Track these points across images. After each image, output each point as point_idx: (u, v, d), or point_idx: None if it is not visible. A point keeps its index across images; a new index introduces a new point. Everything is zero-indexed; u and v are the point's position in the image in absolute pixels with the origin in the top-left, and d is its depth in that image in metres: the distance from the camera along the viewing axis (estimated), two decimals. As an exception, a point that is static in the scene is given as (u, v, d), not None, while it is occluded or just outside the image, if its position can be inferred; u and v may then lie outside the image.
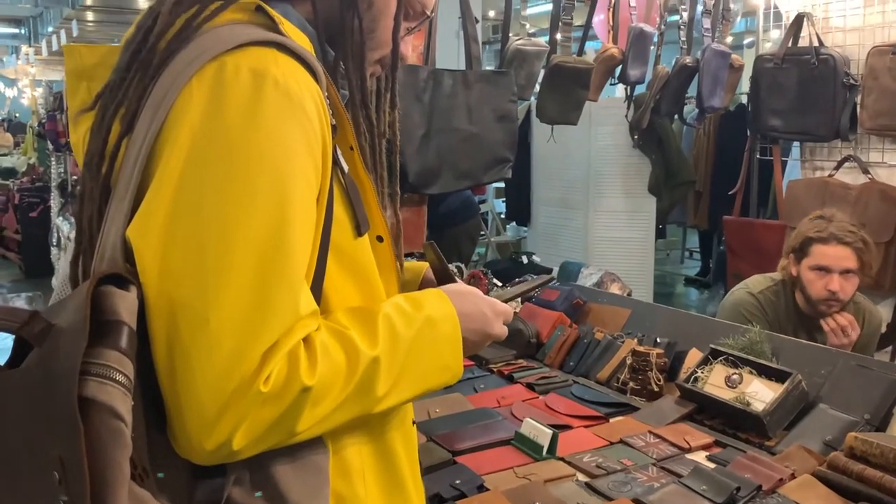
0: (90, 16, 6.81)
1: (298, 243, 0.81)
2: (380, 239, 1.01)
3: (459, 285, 1.10)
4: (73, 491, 0.68)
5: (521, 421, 1.93)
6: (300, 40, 0.89)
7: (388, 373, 0.87)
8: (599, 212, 5.42)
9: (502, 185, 6.87)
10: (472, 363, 2.52)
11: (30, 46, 9.84)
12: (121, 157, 0.83)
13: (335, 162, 0.90)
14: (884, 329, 2.96)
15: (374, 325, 0.88)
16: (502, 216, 7.49)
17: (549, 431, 1.83)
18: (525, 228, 6.60)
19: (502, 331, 1.11)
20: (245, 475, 0.84)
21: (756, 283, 2.57)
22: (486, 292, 3.22)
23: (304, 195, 0.82)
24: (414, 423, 1.07)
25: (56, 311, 0.76)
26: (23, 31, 12.36)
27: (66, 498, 0.69)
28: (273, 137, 0.79)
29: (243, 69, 0.80)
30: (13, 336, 0.75)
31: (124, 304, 0.75)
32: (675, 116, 4.36)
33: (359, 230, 0.93)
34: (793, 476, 1.67)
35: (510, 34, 3.33)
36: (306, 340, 0.81)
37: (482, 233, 7.47)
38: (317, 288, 0.87)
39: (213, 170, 0.77)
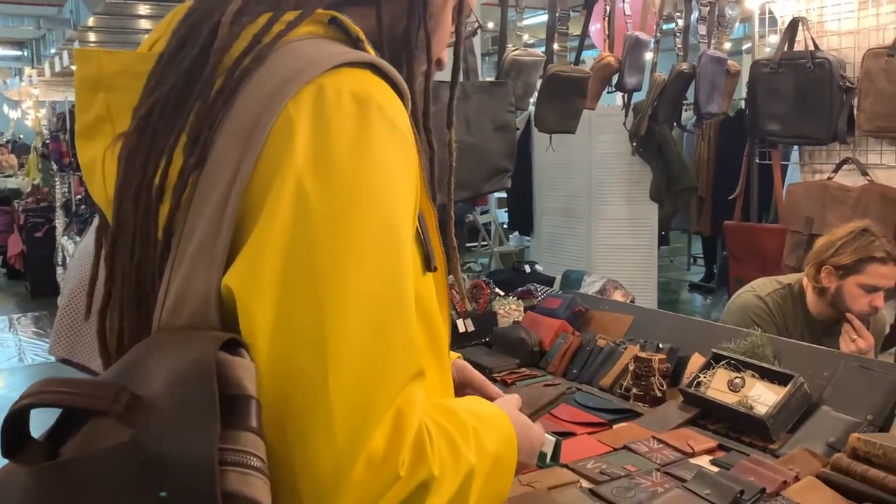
0: (92, 37, 6.88)
1: (410, 288, 0.72)
2: (434, 269, 0.93)
3: (517, 412, 1.02)
4: None
5: (525, 429, 1.93)
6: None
7: (479, 482, 0.79)
8: (602, 220, 5.43)
9: (504, 195, 6.89)
10: (476, 373, 2.53)
11: (33, 68, 9.94)
12: (187, 195, 0.70)
13: None
14: (887, 331, 2.96)
15: (466, 431, 0.79)
16: (505, 226, 7.51)
17: (553, 439, 1.81)
18: (528, 238, 6.61)
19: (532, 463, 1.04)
20: None
21: (763, 285, 2.57)
22: (489, 301, 3.22)
23: (410, 233, 0.74)
24: None
25: (132, 375, 0.64)
26: (25, 54, 12.47)
27: None
28: (382, 172, 0.70)
29: (345, 94, 0.70)
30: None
31: (247, 374, 0.64)
32: (674, 123, 4.38)
33: (428, 265, 0.83)
34: (796, 478, 1.67)
35: (507, 45, 3.35)
36: (429, 433, 0.72)
37: (485, 243, 7.50)
38: None
39: (326, 217, 0.67)
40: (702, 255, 8.07)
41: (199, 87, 0.72)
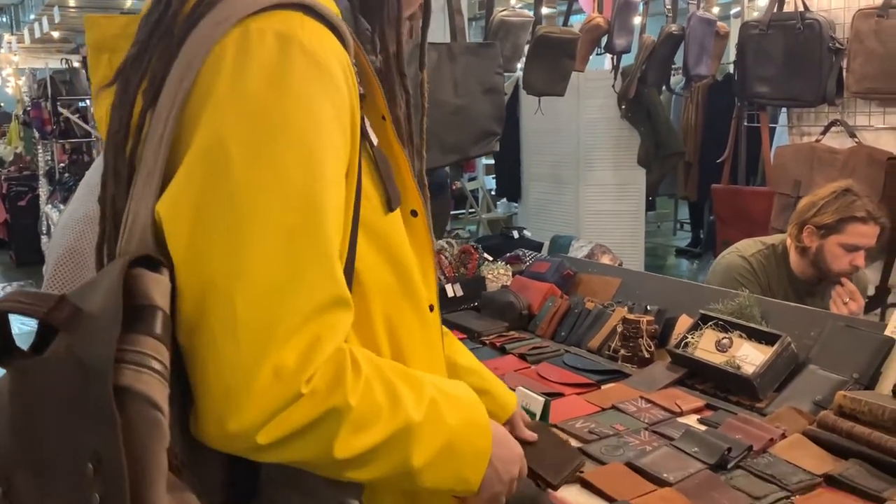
0: (72, 2, 6.74)
1: (329, 219, 0.77)
2: (414, 213, 0.97)
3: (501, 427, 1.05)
4: (109, 484, 0.65)
5: (514, 390, 1.93)
6: (328, 4, 0.84)
7: (427, 446, 0.84)
8: (590, 186, 5.42)
9: (492, 161, 6.87)
10: (465, 336, 2.53)
11: (12, 35, 9.74)
12: (146, 132, 0.78)
13: (363, 133, 0.86)
14: (872, 292, 2.98)
15: (420, 394, 0.84)
16: (493, 193, 7.49)
17: (542, 399, 1.84)
18: (516, 204, 6.60)
19: (513, 482, 1.03)
20: (280, 472, 0.80)
21: (747, 246, 2.58)
22: (477, 266, 3.22)
23: (334, 168, 0.78)
24: None
25: (83, 294, 0.72)
26: (4, 20, 12.22)
27: (101, 491, 0.65)
28: (301, 106, 0.75)
29: (268, 33, 0.75)
30: (36, 321, 0.72)
31: (157, 287, 0.71)
32: (663, 86, 4.35)
33: (389, 206, 0.89)
34: (783, 436, 1.69)
35: (495, 6, 3.31)
36: (354, 363, 0.78)
37: (472, 210, 7.48)
38: (348, 269, 0.84)
39: (241, 144, 0.73)
40: (688, 221, 8.09)
41: (158, 36, 0.79)
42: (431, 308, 0.99)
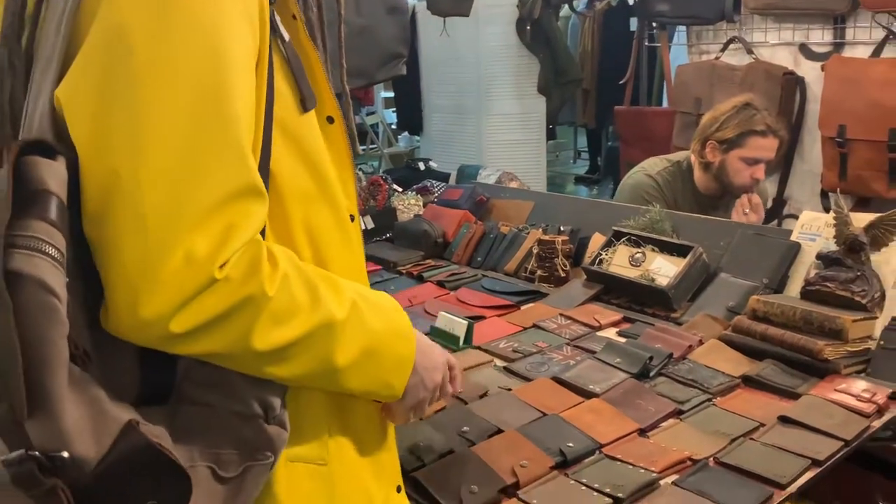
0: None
1: (238, 104, 0.73)
2: (330, 120, 0.93)
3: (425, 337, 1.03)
4: (3, 370, 0.62)
5: (436, 316, 1.91)
6: None
7: (350, 346, 0.83)
8: (492, 115, 5.38)
9: (392, 94, 6.73)
10: (380, 266, 2.48)
11: None
12: (42, 18, 0.75)
13: (273, 28, 0.82)
14: (770, 204, 3.10)
15: (341, 296, 0.83)
16: (393, 127, 7.36)
17: (465, 322, 1.82)
18: (417, 137, 6.51)
19: (437, 389, 1.03)
20: (198, 370, 0.78)
21: (652, 164, 2.61)
22: (387, 198, 3.15)
23: (242, 57, 0.75)
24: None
25: None
26: None
27: None
28: None
29: None
30: None
31: (52, 174, 0.68)
32: (566, 5, 4.30)
33: (304, 105, 0.86)
34: (700, 342, 1.73)
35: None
36: (271, 256, 0.76)
37: (373, 145, 7.35)
38: (264, 168, 0.80)
39: (142, 28, 0.70)
40: (587, 150, 8.21)
41: None
42: (352, 218, 0.96)
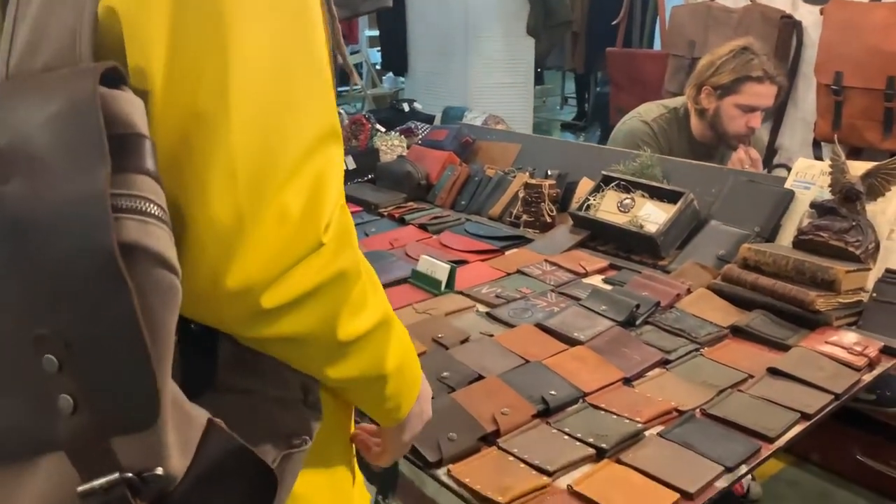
0: None
1: (319, 32, 0.63)
2: None
3: None
4: (113, 372, 0.50)
5: (417, 260, 1.85)
6: None
7: (398, 348, 0.73)
8: (479, 57, 5.25)
9: (376, 33, 6.55)
10: (361, 208, 2.41)
11: None
12: None
13: None
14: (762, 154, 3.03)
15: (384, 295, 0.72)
16: (378, 67, 7.19)
17: (447, 266, 1.76)
18: (402, 79, 6.36)
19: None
20: (240, 355, 0.66)
21: (648, 110, 2.53)
22: (370, 138, 3.06)
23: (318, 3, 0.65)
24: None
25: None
26: None
27: (71, 391, 0.50)
28: None
29: None
30: None
31: (137, 110, 0.54)
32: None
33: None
34: (689, 291, 1.68)
35: None
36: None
37: (356, 86, 7.19)
38: None
39: None
40: (573, 96, 8.09)
41: None
42: None
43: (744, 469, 1.15)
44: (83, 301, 0.49)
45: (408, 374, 0.77)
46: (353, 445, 0.86)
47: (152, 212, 0.52)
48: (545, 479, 1.11)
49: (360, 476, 0.88)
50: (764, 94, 2.35)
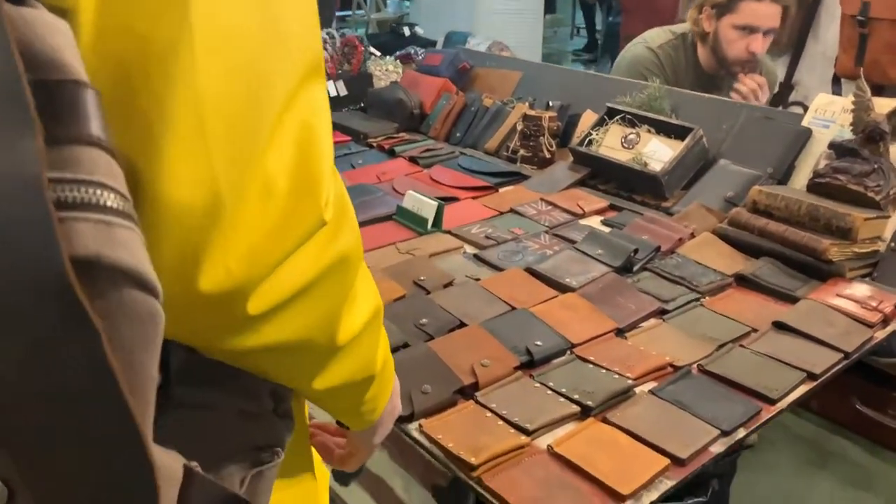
0: None
1: None
2: None
3: None
4: (94, 438, 0.33)
5: (404, 195, 1.73)
6: None
7: (384, 344, 0.61)
8: (487, -19, 5.03)
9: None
10: (349, 138, 2.28)
11: None
12: None
13: None
14: (776, 89, 2.87)
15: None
16: (382, -9, 6.93)
17: (435, 203, 1.64)
18: (407, 3, 6.13)
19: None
20: (195, 366, 0.50)
21: (655, 36, 2.36)
22: (363, 61, 2.89)
23: None
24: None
25: None
26: None
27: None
28: None
29: None
30: None
31: (66, 41, 0.34)
32: None
33: None
34: (692, 235, 1.57)
35: None
36: None
37: (360, 10, 6.94)
38: None
39: None
40: (584, 26, 7.82)
41: None
42: None
43: (742, 433, 1.05)
44: (20, 361, 0.31)
45: (388, 371, 0.64)
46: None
47: (112, 205, 0.33)
48: (524, 439, 1.01)
49: (317, 458, 0.76)
50: (763, 14, 2.17)
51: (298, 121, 0.44)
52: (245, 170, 0.41)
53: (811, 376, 1.15)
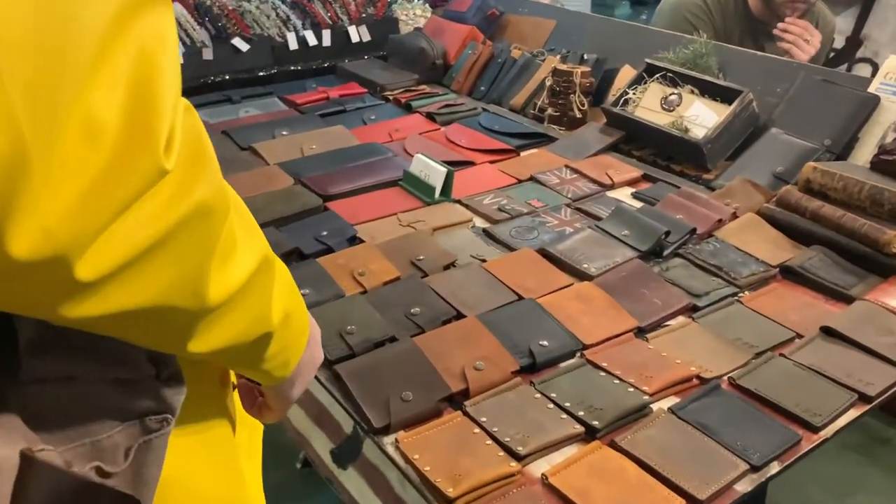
0: None
1: None
2: None
3: None
4: None
5: (413, 157, 1.56)
6: None
7: (279, 297, 0.56)
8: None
9: None
10: (365, 90, 2.10)
11: None
12: None
13: None
14: (842, 44, 2.60)
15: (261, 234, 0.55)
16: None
17: (444, 169, 1.47)
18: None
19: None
20: (51, 333, 0.46)
21: (703, -25, 2.12)
22: (389, 5, 2.67)
23: None
24: None
25: None
26: None
27: None
28: None
29: None
30: None
31: None
32: None
33: None
34: (734, 216, 1.38)
35: None
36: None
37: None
38: None
39: None
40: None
41: None
42: None
43: (775, 468, 0.88)
44: None
45: (295, 322, 0.60)
46: (230, 388, 0.66)
47: None
48: (513, 466, 0.86)
49: (241, 416, 0.68)
50: None
51: (134, 51, 0.38)
52: (56, 110, 0.35)
53: (864, 398, 0.97)
